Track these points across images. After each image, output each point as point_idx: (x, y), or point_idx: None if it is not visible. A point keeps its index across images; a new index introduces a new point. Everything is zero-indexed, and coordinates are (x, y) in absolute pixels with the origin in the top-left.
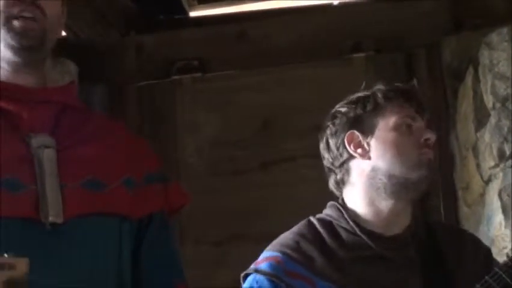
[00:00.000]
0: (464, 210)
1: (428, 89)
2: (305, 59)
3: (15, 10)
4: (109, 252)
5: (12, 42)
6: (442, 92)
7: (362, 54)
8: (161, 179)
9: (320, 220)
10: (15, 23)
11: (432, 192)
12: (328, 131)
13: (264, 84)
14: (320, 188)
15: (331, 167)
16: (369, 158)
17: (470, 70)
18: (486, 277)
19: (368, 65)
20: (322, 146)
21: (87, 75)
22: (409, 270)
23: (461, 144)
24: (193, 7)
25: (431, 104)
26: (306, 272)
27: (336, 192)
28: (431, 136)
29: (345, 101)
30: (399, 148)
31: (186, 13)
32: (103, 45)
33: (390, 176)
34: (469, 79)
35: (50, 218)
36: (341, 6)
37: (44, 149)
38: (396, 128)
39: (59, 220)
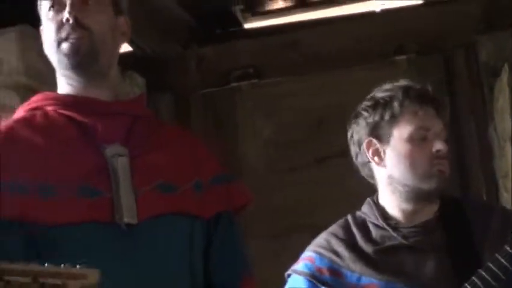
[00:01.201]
0: (504, 196)
1: (467, 86)
2: (352, 63)
3: (63, 34)
4: (181, 252)
5: (65, 62)
6: (480, 88)
7: (404, 57)
8: (226, 180)
9: (354, 218)
10: (64, 45)
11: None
12: (353, 126)
13: (315, 88)
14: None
15: (356, 160)
16: (385, 166)
17: (506, 68)
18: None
19: (410, 66)
20: (349, 135)
21: (154, 86)
22: (436, 255)
23: (499, 136)
24: (247, 19)
25: (469, 100)
26: (334, 266)
27: (371, 181)
28: (443, 148)
29: (368, 101)
30: (412, 160)
31: (241, 25)
32: (167, 58)
33: (404, 185)
34: (504, 76)
35: (125, 220)
36: (383, 13)
37: (118, 158)
38: (410, 139)
39: (134, 221)
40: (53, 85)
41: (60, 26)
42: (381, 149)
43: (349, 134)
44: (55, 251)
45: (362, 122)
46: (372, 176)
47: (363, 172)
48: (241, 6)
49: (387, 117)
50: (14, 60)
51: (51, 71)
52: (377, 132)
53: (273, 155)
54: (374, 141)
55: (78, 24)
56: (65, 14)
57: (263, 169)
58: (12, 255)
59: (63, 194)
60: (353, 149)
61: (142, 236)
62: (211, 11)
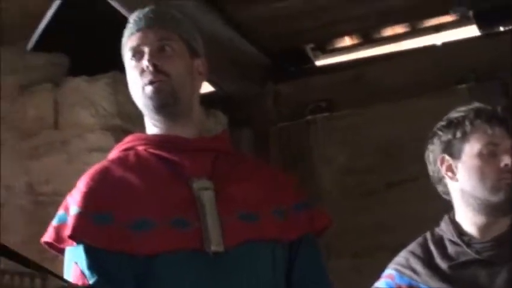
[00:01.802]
0: None
1: None
2: (416, 94)
3: (145, 80)
4: (265, 276)
5: (150, 104)
6: None
7: (464, 85)
8: (307, 206)
9: (433, 235)
10: (147, 89)
11: None
12: (429, 147)
13: (383, 118)
14: (440, 204)
15: (433, 176)
16: (457, 180)
17: None
18: None
19: (470, 94)
20: (426, 155)
21: (235, 122)
22: (509, 268)
23: None
24: (317, 57)
25: None
26: (413, 283)
27: (447, 198)
28: (509, 162)
29: (443, 121)
30: (481, 174)
31: (312, 62)
32: (246, 96)
33: (475, 198)
34: None
35: (213, 248)
36: (443, 45)
37: (204, 191)
38: (479, 154)
39: (220, 249)
40: (143, 125)
41: (142, 72)
42: (453, 165)
43: (426, 154)
44: (153, 279)
45: (436, 141)
46: (447, 192)
47: (439, 188)
48: (312, 45)
49: (459, 135)
50: (108, 104)
51: (140, 112)
52: (450, 149)
53: (347, 181)
54: (447, 157)
55: (157, 70)
56: (145, 62)
57: (338, 194)
58: (119, 282)
59: (158, 226)
60: (430, 168)
61: (229, 263)
62: (284, 51)
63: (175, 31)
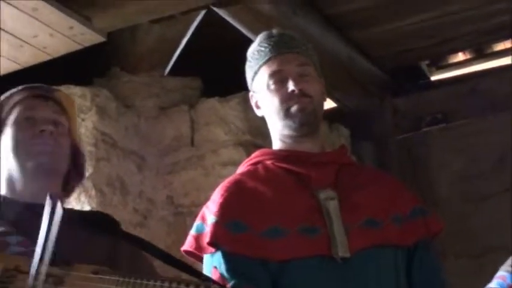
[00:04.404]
0: None
1: None
2: None
3: (291, 102)
4: (389, 279)
5: (292, 124)
6: None
7: None
8: (423, 212)
9: None
10: (293, 109)
11: None
12: None
13: (495, 127)
14: None
15: None
16: None
17: None
18: None
19: None
20: None
21: (356, 136)
22: None
23: None
24: (432, 72)
25: None
26: None
27: None
28: None
29: None
30: None
31: (428, 78)
32: (366, 110)
33: None
34: None
35: (340, 254)
36: None
37: (330, 201)
38: None
39: (347, 254)
40: (270, 140)
41: (287, 95)
42: None
43: None
44: (285, 284)
45: None
46: None
47: None
48: (427, 61)
49: None
50: (239, 121)
51: (268, 128)
52: None
53: (463, 187)
54: None
55: (303, 94)
56: (291, 86)
57: (456, 199)
58: (257, 285)
59: (289, 233)
60: None
61: (355, 268)
62: (401, 67)
63: (307, 55)
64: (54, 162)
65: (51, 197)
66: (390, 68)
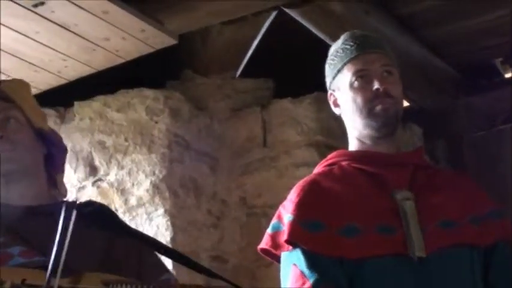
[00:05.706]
0: None
1: None
2: None
3: (376, 102)
4: (466, 279)
5: (375, 123)
6: None
7: None
8: (500, 214)
9: None
10: (378, 108)
11: None
12: None
13: None
14: None
15: None
16: None
17: None
18: None
19: None
20: None
21: (429, 134)
22: None
23: None
24: (506, 70)
25: None
26: None
27: None
28: None
29: None
30: None
31: (502, 75)
32: (439, 109)
33: None
34: None
35: (416, 253)
36: None
37: (406, 201)
38: None
39: (423, 254)
40: (342, 140)
41: (371, 94)
42: None
43: None
44: (362, 281)
45: None
46: None
47: None
48: (501, 59)
49: None
50: (312, 122)
51: (340, 129)
52: None
53: None
54: None
55: (387, 94)
56: (376, 86)
57: None
58: (336, 282)
59: (366, 232)
60: None
61: (431, 267)
62: (474, 65)
63: (391, 57)
64: (19, 165)
65: (66, 208)
66: (463, 66)
